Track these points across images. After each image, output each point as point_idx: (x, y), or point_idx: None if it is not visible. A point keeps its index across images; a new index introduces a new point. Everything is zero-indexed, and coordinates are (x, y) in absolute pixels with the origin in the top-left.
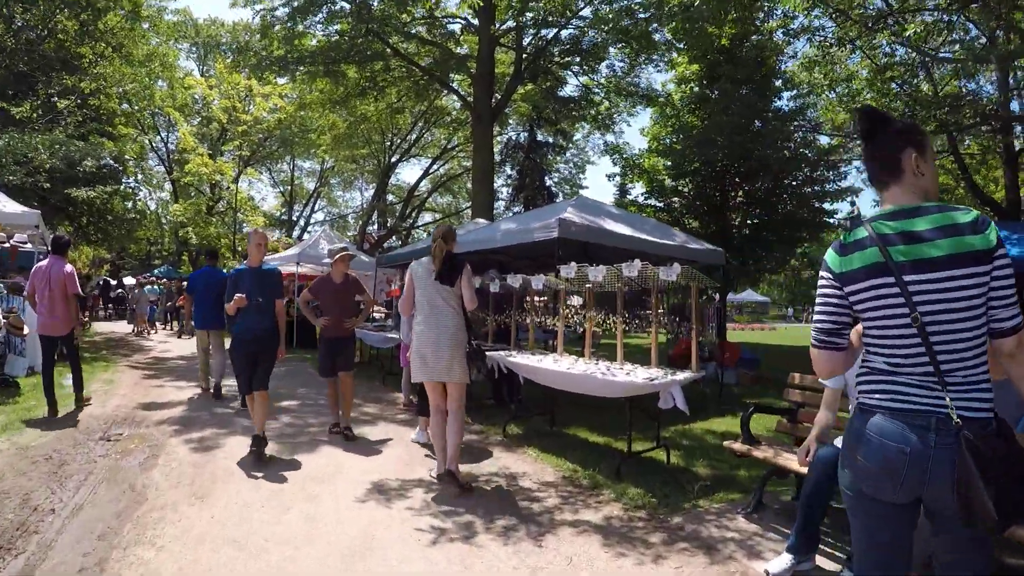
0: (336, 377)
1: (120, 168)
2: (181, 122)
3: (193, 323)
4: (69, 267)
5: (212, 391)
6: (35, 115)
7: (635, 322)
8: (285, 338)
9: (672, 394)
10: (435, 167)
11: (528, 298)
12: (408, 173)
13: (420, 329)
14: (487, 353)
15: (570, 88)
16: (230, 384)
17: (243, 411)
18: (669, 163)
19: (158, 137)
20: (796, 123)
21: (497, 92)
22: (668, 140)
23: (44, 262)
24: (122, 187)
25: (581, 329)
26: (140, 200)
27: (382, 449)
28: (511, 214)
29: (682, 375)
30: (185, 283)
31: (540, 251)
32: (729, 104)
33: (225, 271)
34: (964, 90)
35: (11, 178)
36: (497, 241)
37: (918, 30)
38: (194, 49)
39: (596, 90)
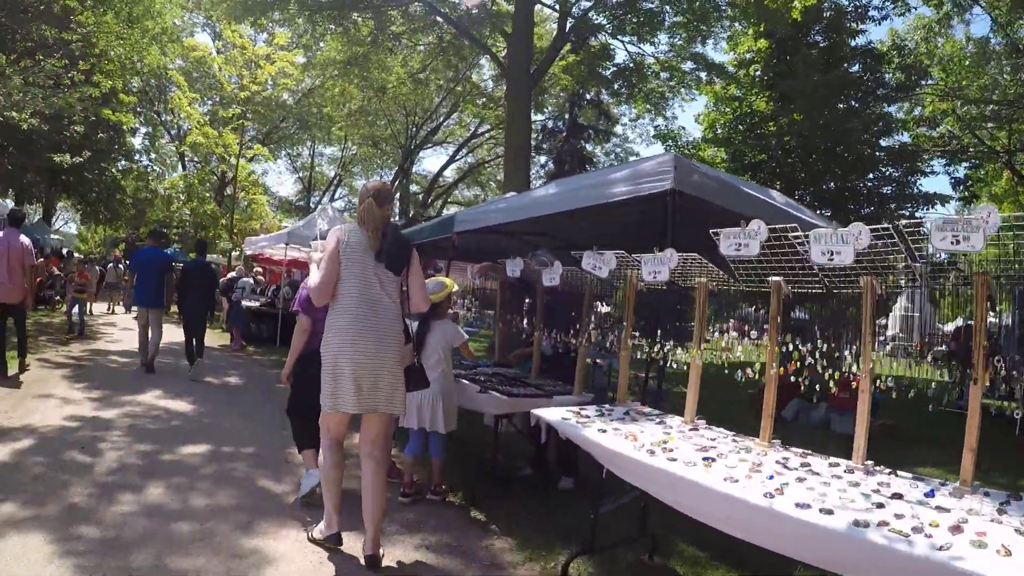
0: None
1: (117, 138)
2: (182, 84)
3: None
4: (27, 240)
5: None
6: (11, 71)
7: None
8: None
9: None
10: (461, 155)
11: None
12: (432, 162)
13: (348, 333)
14: (539, 413)
15: (619, 60)
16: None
17: None
18: (727, 155)
19: (166, 112)
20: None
21: (536, 62)
22: (725, 128)
23: (2, 234)
24: (135, 166)
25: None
26: (153, 179)
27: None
28: None
29: None
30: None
31: (602, 230)
32: (810, 75)
33: (169, 251)
34: None
35: None
36: (549, 206)
37: None
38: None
39: (649, 63)
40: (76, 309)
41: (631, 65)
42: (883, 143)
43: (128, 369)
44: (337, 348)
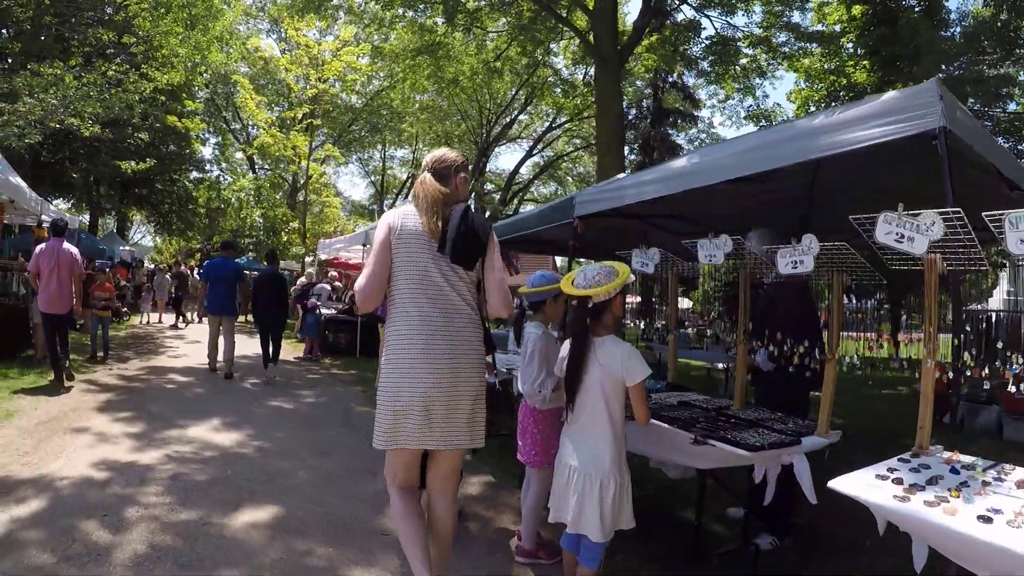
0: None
1: (185, 146)
2: (245, 85)
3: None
4: (74, 249)
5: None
6: (71, 78)
7: None
8: None
9: None
10: (538, 149)
11: None
12: (507, 159)
13: (411, 347)
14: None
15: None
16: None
17: None
18: None
19: (235, 120)
20: None
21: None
22: (820, 105)
23: (48, 243)
24: (207, 177)
25: None
26: (225, 188)
27: None
28: None
29: None
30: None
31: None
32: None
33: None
34: None
35: (17, 141)
36: (731, 169)
37: None
38: (273, 29)
39: (740, 39)
40: (100, 330)
41: (720, 41)
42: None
43: (186, 391)
44: (397, 367)
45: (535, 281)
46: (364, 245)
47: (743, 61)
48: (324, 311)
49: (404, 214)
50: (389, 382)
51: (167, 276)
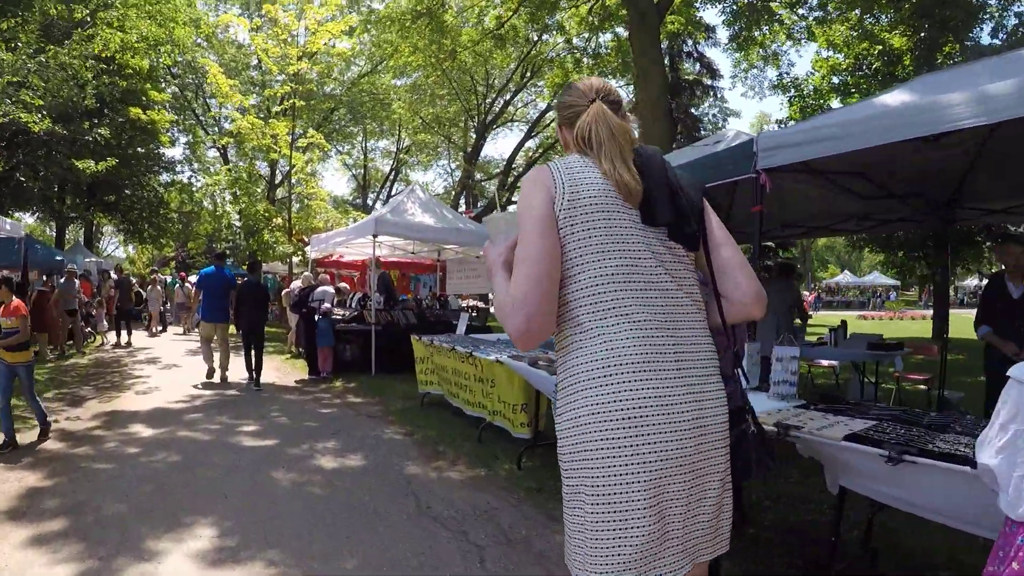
0: None
1: (150, 142)
2: (214, 69)
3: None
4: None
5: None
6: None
7: None
8: None
9: None
10: (538, 129)
11: None
12: (492, 147)
13: (633, 386)
14: None
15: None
16: None
17: None
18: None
19: (204, 113)
20: None
21: None
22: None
23: None
24: (176, 180)
25: None
26: (198, 191)
27: None
28: None
29: None
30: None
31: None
32: None
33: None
34: None
35: None
36: None
37: None
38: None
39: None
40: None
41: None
42: None
43: (157, 461)
44: (605, 436)
45: None
46: (374, 236)
47: (766, 28)
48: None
49: (570, 168)
50: (595, 464)
51: (156, 287)
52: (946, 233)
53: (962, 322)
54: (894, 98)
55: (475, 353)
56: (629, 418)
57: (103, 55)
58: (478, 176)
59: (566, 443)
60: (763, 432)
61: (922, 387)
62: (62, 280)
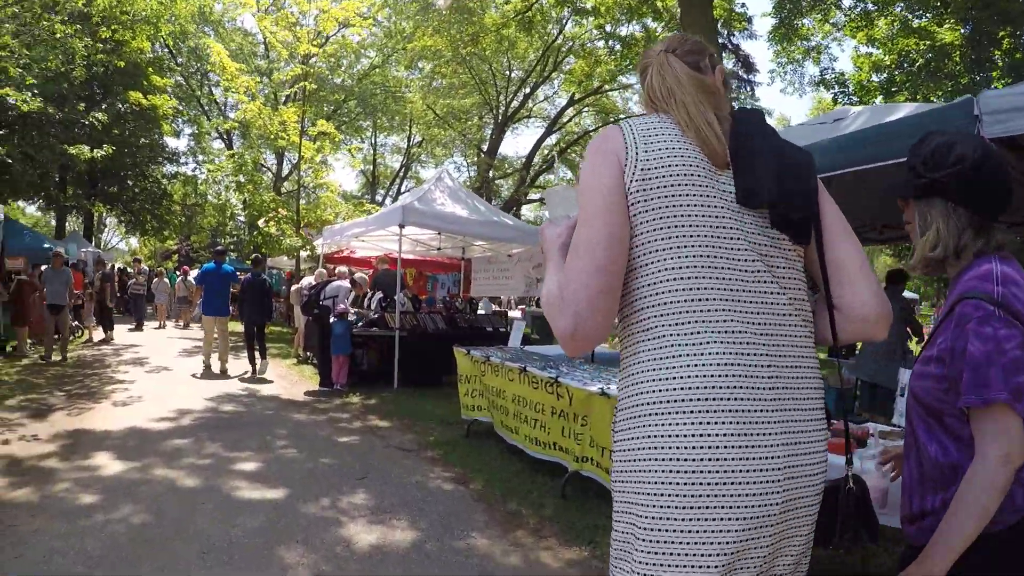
0: None
1: (152, 130)
2: (219, 50)
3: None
4: None
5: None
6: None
7: None
8: None
9: None
10: (560, 123)
11: None
12: (509, 144)
13: (719, 415)
14: None
15: None
16: None
17: None
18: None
19: (209, 104)
20: None
21: None
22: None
23: None
24: (180, 172)
25: None
26: (202, 183)
27: None
28: None
29: None
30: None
31: None
32: None
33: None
34: None
35: None
36: None
37: None
38: None
39: None
40: None
41: None
42: None
43: (114, 521)
44: (667, 472)
45: None
46: (400, 227)
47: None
48: (351, 317)
49: (647, 127)
50: (654, 525)
51: (164, 280)
52: None
53: None
54: None
55: (562, 380)
56: (703, 461)
57: (101, 35)
58: (492, 174)
59: (620, 486)
60: (866, 494)
61: None
62: (45, 268)
